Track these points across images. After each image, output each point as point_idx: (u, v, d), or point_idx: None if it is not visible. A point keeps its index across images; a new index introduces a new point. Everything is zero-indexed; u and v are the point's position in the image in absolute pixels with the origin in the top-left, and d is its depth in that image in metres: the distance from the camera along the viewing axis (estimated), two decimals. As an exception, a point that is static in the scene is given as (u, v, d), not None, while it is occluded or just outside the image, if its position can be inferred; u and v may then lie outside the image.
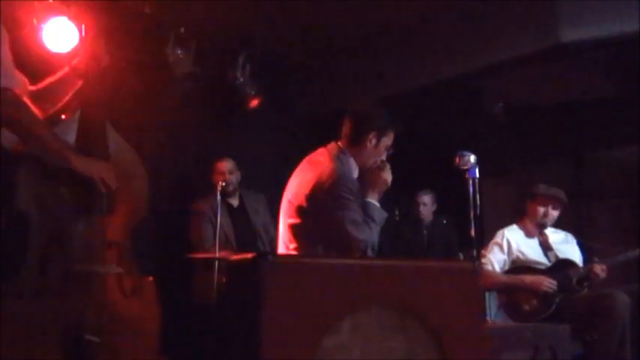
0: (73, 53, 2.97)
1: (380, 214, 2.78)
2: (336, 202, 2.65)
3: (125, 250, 2.56)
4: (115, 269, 2.48)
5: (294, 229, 2.76)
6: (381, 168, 2.85)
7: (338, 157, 2.80)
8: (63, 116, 2.55)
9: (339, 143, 2.86)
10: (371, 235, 2.71)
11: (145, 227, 2.76)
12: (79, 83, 2.48)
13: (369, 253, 2.70)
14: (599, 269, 3.76)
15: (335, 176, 2.70)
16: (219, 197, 4.07)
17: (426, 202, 5.53)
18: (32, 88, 2.48)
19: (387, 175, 2.85)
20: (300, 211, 2.73)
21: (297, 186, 2.81)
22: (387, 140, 2.88)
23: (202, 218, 4.33)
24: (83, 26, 2.54)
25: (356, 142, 2.83)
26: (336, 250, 2.67)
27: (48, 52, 3.55)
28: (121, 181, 2.51)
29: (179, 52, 4.43)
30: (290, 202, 2.82)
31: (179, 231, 4.53)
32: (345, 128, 2.88)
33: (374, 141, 2.83)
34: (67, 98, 2.51)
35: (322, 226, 2.67)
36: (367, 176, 2.85)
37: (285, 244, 2.83)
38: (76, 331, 2.27)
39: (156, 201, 2.87)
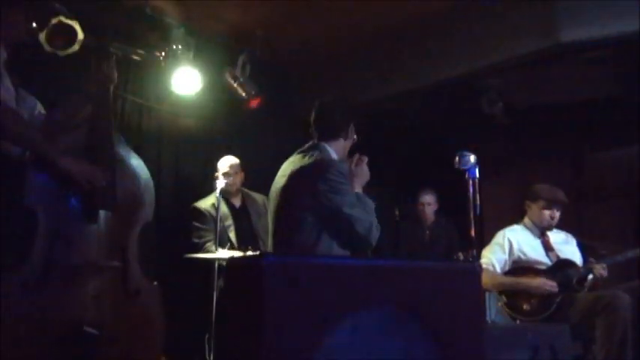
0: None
1: (370, 203, 2.83)
2: (330, 187, 2.69)
3: (129, 250, 2.61)
4: (118, 267, 2.53)
5: (294, 226, 2.76)
6: (362, 160, 2.92)
7: (319, 151, 2.87)
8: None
9: (315, 140, 2.94)
10: (369, 215, 2.74)
11: (148, 229, 2.81)
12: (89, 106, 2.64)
13: (375, 231, 2.72)
14: (600, 269, 3.76)
15: (324, 163, 2.78)
16: (219, 197, 4.08)
17: (430, 202, 5.52)
18: (48, 119, 2.68)
19: (367, 168, 2.92)
20: (297, 206, 2.75)
21: (286, 185, 2.85)
22: (352, 130, 2.98)
23: (204, 217, 4.34)
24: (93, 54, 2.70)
25: (332, 136, 2.93)
26: (339, 237, 2.70)
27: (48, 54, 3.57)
28: (130, 187, 2.64)
29: (179, 52, 4.44)
30: (283, 201, 2.85)
31: (180, 232, 4.52)
32: (318, 124, 2.97)
33: (348, 131, 2.94)
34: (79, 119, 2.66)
35: (321, 214, 2.69)
36: (349, 170, 2.89)
37: (284, 242, 2.83)
38: (76, 324, 2.33)
39: (157, 203, 2.90)
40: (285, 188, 2.83)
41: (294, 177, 2.81)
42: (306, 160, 2.84)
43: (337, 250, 2.71)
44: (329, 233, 2.70)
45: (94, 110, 2.64)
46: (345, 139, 2.94)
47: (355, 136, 3.00)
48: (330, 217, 2.68)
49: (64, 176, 2.45)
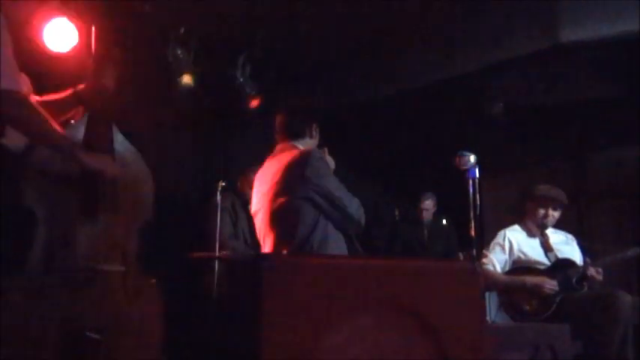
0: (73, 54, 3.00)
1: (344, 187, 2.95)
2: (316, 173, 2.80)
3: (129, 250, 2.58)
4: (118, 269, 2.50)
5: (292, 217, 2.80)
6: (324, 152, 3.05)
7: (295, 148, 2.98)
8: (72, 120, 2.62)
9: (285, 141, 3.06)
10: (353, 196, 2.87)
11: (148, 228, 2.78)
12: (80, 106, 2.57)
13: (362, 212, 2.85)
14: (594, 272, 3.77)
15: (304, 152, 2.90)
16: (219, 198, 4.11)
17: (429, 207, 5.54)
18: (36, 98, 2.55)
19: (330, 157, 3.06)
20: (290, 198, 2.80)
21: (274, 183, 2.91)
22: (316, 130, 3.13)
23: (222, 212, 4.37)
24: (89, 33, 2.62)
25: (299, 136, 3.06)
26: (333, 220, 2.80)
27: (49, 52, 3.57)
28: (128, 184, 2.58)
29: (179, 52, 4.43)
30: (275, 198, 2.88)
31: (181, 231, 4.53)
32: (288, 125, 3.11)
33: (314, 131, 3.10)
34: (65, 116, 2.58)
35: (314, 200, 2.78)
36: None
37: (285, 235, 2.84)
38: (77, 329, 2.29)
39: (157, 202, 2.89)
40: (274, 186, 2.90)
41: (280, 174, 2.89)
42: (285, 157, 2.94)
43: (332, 232, 2.81)
44: (324, 217, 2.80)
45: (88, 109, 2.59)
46: (311, 138, 3.08)
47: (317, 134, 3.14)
48: (323, 201, 2.79)
49: (85, 172, 2.39)
